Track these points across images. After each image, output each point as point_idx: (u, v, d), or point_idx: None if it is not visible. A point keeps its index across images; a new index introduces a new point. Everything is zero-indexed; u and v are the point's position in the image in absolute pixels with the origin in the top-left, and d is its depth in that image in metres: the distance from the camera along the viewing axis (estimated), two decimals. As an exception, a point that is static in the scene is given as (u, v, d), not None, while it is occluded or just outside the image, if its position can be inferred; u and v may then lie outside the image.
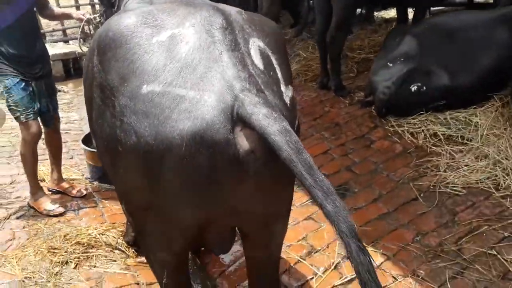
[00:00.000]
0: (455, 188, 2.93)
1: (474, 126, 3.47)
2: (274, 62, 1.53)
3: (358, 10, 6.72)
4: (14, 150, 4.35)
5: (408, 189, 3.05)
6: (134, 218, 1.73)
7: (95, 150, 3.69)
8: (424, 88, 3.71)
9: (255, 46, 1.48)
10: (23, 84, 3.06)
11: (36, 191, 3.30)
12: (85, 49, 3.29)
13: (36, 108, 3.17)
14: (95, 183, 3.76)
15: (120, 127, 1.39)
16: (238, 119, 1.26)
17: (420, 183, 3.07)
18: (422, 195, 2.96)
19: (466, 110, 3.68)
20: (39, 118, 3.26)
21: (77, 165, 4.10)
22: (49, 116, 3.36)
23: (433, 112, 3.76)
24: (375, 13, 7.31)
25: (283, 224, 1.70)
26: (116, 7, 2.52)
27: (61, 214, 3.22)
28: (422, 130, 3.63)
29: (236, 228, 1.70)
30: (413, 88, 3.73)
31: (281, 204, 1.59)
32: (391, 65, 3.92)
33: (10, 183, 3.69)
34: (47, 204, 3.25)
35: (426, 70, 3.73)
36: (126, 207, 1.73)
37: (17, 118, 3.12)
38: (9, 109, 3.14)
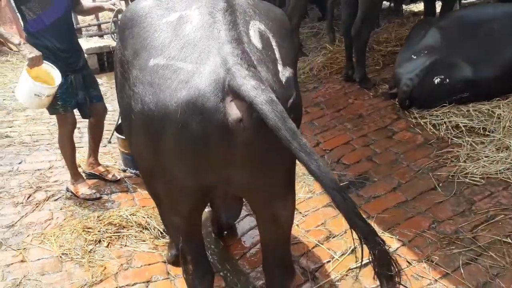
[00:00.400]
0: (474, 178, 2.96)
1: (497, 118, 3.47)
2: (274, 44, 1.66)
3: (387, 3, 6.71)
4: (52, 138, 4.62)
5: (427, 178, 3.10)
6: (148, 185, 1.94)
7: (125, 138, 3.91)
8: (447, 80, 3.73)
9: (255, 27, 1.62)
10: (64, 78, 3.21)
11: (75, 177, 3.51)
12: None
13: (73, 101, 3.35)
14: (127, 169, 3.97)
15: (133, 96, 1.58)
16: (229, 90, 1.39)
17: (439, 173, 3.11)
18: (440, 184, 3.00)
19: (489, 102, 3.68)
20: (76, 110, 3.45)
21: (110, 153, 4.32)
22: (86, 107, 3.53)
23: (456, 104, 3.77)
24: (403, 6, 7.26)
25: (283, 202, 1.75)
26: None
27: (97, 199, 3.43)
28: (444, 122, 3.65)
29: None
30: (436, 80, 3.75)
31: (274, 178, 1.64)
32: (415, 57, 3.95)
33: (49, 168, 3.94)
34: (84, 189, 3.46)
35: (449, 62, 3.74)
36: (140, 170, 1.94)
37: (55, 111, 3.29)
38: None
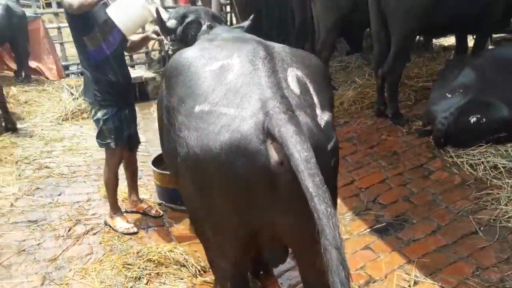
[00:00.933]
0: (517, 223, 2.91)
1: (537, 159, 3.43)
2: (311, 89, 1.72)
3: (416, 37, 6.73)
4: (89, 170, 4.76)
5: (467, 221, 3.06)
6: (196, 228, 1.99)
7: (163, 172, 3.99)
8: (484, 120, 3.71)
9: (293, 74, 1.70)
10: (119, 113, 3.35)
11: (114, 210, 3.59)
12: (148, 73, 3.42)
13: (125, 135, 3.45)
14: (162, 203, 4.03)
15: (178, 141, 1.66)
16: (267, 133, 1.46)
17: (480, 216, 3.06)
18: (482, 228, 2.96)
19: (529, 142, 3.64)
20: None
21: (145, 185, 4.40)
22: (136, 140, 3.66)
23: (493, 143, 3.74)
24: (433, 40, 7.29)
25: None
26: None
27: (134, 233, 3.49)
28: (482, 162, 3.61)
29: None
30: (472, 119, 3.73)
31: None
32: (450, 95, 3.95)
33: (87, 201, 4.04)
34: (122, 224, 3.54)
35: (485, 102, 3.73)
36: (189, 214, 2.02)
37: (106, 144, 3.40)
38: (99, 134, 3.39)
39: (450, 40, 7.28)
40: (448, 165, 3.76)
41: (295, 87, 1.64)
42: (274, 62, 1.65)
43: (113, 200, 3.59)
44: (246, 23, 2.87)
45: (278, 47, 1.81)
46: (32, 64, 8.33)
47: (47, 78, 8.36)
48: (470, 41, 5.66)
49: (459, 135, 3.85)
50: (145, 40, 3.71)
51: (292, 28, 6.90)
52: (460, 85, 3.94)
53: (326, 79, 1.96)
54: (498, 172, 3.47)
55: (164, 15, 2.85)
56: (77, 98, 7.16)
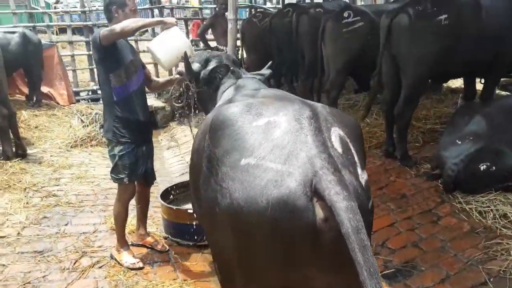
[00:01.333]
0: (527, 276, 2.88)
1: (547, 210, 3.42)
2: (352, 148, 1.76)
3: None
4: (96, 199, 4.77)
5: (477, 271, 3.03)
6: (224, 277, 1.97)
7: (171, 206, 4.00)
8: (494, 168, 3.73)
9: (336, 133, 1.73)
10: (136, 149, 3.38)
11: (121, 244, 3.58)
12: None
13: (139, 172, 3.47)
14: (168, 237, 4.01)
15: (220, 191, 1.68)
16: (314, 191, 1.49)
17: (490, 267, 3.04)
18: (491, 279, 2.93)
19: (539, 192, 3.64)
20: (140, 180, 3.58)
21: (152, 217, 4.38)
22: (152, 176, 3.69)
23: (503, 192, 3.74)
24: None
25: None
26: (212, 89, 2.85)
27: (140, 268, 3.47)
28: (491, 210, 3.60)
29: None
30: (482, 167, 3.75)
31: (355, 283, 1.60)
32: (460, 142, 3.98)
33: (93, 232, 4.04)
34: (129, 258, 3.51)
35: (495, 150, 3.76)
36: (218, 265, 1.99)
37: (119, 180, 3.41)
38: (113, 169, 3.41)
39: (458, 83, 7.36)
40: (457, 211, 3.75)
41: (338, 146, 1.68)
42: (319, 121, 1.70)
43: (121, 234, 3.59)
44: (267, 72, 2.96)
45: (320, 107, 1.87)
46: (44, 89, 8.46)
47: (57, 103, 8.47)
48: (478, 84, 5.74)
49: (468, 181, 3.86)
50: (170, 82, 3.79)
51: (302, 65, 7.01)
52: (470, 133, 3.97)
53: (362, 139, 1.99)
54: (508, 221, 3.46)
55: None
56: (87, 125, 7.24)
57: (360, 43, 5.58)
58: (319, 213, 1.49)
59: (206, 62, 2.88)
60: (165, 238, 4.01)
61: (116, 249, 3.59)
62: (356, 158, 1.73)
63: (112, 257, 3.58)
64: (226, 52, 3.09)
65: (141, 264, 3.51)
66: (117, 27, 3.05)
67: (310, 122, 1.67)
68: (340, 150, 1.67)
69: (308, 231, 1.50)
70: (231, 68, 2.78)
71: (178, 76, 3.38)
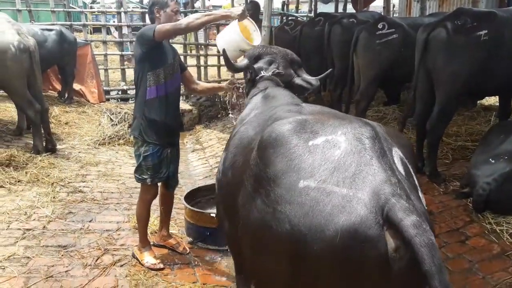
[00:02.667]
0: (560, 305, 2.76)
1: None
2: (411, 170, 1.66)
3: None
4: (121, 197, 4.82)
5: (506, 296, 2.92)
6: None
7: (196, 209, 3.99)
8: (528, 189, 3.60)
9: (397, 155, 1.63)
10: (161, 152, 3.38)
11: (143, 244, 3.59)
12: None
13: (163, 174, 3.47)
14: (189, 239, 4.01)
15: (273, 214, 1.55)
16: (387, 220, 1.37)
17: (520, 292, 2.92)
18: (521, 305, 2.82)
19: None
20: (162, 182, 3.58)
21: (174, 219, 4.40)
22: (174, 181, 3.69)
23: (536, 215, 3.61)
24: (475, 100, 7.18)
25: None
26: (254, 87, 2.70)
27: (160, 269, 3.47)
28: (524, 233, 3.48)
29: None
30: (516, 188, 3.63)
31: None
32: (493, 161, 3.86)
33: (117, 230, 4.07)
34: (150, 258, 3.52)
35: (531, 171, 3.63)
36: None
37: (142, 180, 3.44)
38: (137, 169, 3.43)
39: (491, 100, 7.18)
40: (486, 231, 3.62)
41: (401, 169, 1.58)
42: (381, 142, 1.59)
43: (143, 234, 3.61)
44: (316, 84, 2.78)
45: (377, 126, 1.74)
46: (76, 86, 8.66)
47: (88, 101, 8.66)
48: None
49: (500, 202, 3.73)
50: (216, 88, 3.86)
51: (332, 75, 6.95)
52: (505, 152, 3.85)
53: (414, 157, 1.89)
54: (540, 246, 3.32)
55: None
56: (116, 124, 7.36)
57: (393, 55, 5.52)
58: (390, 242, 1.38)
59: (256, 58, 2.72)
60: (191, 243, 3.98)
61: (138, 248, 3.61)
62: (416, 182, 1.63)
63: (134, 256, 3.60)
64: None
65: (161, 265, 3.52)
66: (183, 21, 3.07)
67: (373, 143, 1.55)
68: (403, 173, 1.56)
69: (379, 262, 1.39)
70: (277, 71, 2.63)
71: (228, 86, 3.34)
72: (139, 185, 4.85)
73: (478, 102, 7.11)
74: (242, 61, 2.80)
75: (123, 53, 9.49)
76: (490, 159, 3.90)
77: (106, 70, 9.40)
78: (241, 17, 3.09)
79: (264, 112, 2.25)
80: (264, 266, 1.69)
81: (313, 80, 2.80)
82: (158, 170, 3.42)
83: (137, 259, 3.56)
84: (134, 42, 3.39)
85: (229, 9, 3.20)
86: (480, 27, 4.13)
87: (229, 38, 3.11)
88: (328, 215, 1.42)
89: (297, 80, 2.75)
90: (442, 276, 1.29)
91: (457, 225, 3.80)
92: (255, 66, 2.72)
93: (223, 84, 3.54)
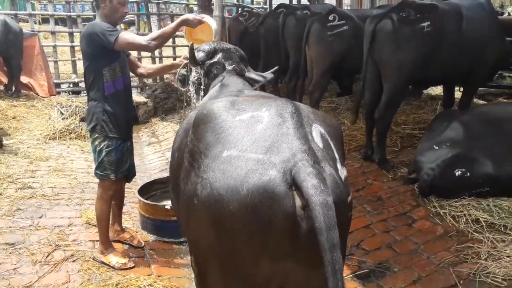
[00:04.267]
0: (495, 279, 2.94)
1: (518, 216, 3.51)
2: (332, 145, 1.79)
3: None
4: (73, 193, 4.70)
5: (447, 274, 3.09)
6: (200, 271, 1.96)
7: (150, 203, 3.97)
8: (468, 174, 3.82)
9: (317, 129, 1.77)
10: (122, 145, 3.33)
11: (107, 246, 3.46)
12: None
13: (125, 168, 3.42)
14: (144, 233, 3.99)
15: (200, 183, 1.69)
16: (293, 181, 1.51)
17: (460, 270, 3.10)
18: (461, 282, 2.99)
19: (510, 199, 3.74)
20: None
21: (128, 213, 4.35)
22: (133, 173, 3.64)
23: (476, 197, 3.83)
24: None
25: None
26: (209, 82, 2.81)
27: (131, 268, 3.39)
28: (464, 215, 3.68)
29: None
30: (457, 173, 3.84)
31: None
32: (437, 148, 4.06)
33: (68, 225, 3.96)
34: (118, 258, 3.41)
35: (471, 157, 3.85)
36: (194, 258, 1.97)
37: (105, 176, 3.33)
38: (99, 166, 3.32)
39: (437, 90, 7.50)
40: (431, 215, 3.82)
41: (319, 141, 1.70)
42: (301, 116, 1.73)
43: (105, 234, 3.47)
44: (269, 76, 2.91)
45: (303, 106, 1.89)
46: (24, 79, 8.32)
47: (37, 94, 8.34)
48: (457, 93, 5.86)
49: (443, 186, 3.94)
50: (167, 67, 3.74)
51: (286, 68, 7.04)
52: (447, 139, 4.06)
53: (342, 139, 2.03)
54: (480, 226, 3.53)
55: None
56: (67, 118, 7.14)
57: (344, 46, 5.66)
58: (298, 201, 1.51)
59: (213, 53, 2.81)
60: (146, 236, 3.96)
61: (100, 252, 3.46)
62: (336, 155, 1.75)
63: (96, 260, 3.43)
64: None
65: (132, 264, 3.42)
66: (152, 44, 3.04)
67: (292, 117, 1.70)
68: (320, 145, 1.69)
69: (288, 218, 1.51)
70: (233, 65, 2.75)
71: (181, 61, 3.30)
72: (91, 179, 4.74)
73: (425, 92, 7.42)
74: (198, 55, 2.85)
75: (73, 44, 9.18)
76: (434, 146, 4.10)
77: (56, 62, 9.07)
78: (197, 24, 3.19)
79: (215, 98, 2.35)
80: (195, 234, 1.84)
81: (266, 73, 2.96)
82: (121, 164, 3.37)
83: (103, 263, 3.41)
84: (82, 38, 3.22)
85: (184, 16, 3.23)
86: (423, 19, 4.31)
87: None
88: (243, 177, 1.56)
89: (250, 75, 2.88)
90: (330, 233, 1.41)
91: (405, 209, 3.99)
92: (213, 60, 2.83)
93: (176, 61, 3.47)
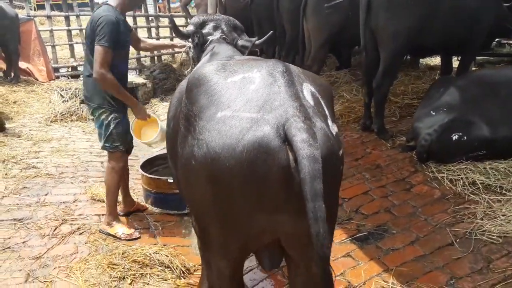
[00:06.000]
0: (491, 236, 3.02)
1: (514, 177, 3.57)
2: (323, 103, 1.85)
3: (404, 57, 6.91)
4: (77, 171, 4.78)
5: (444, 234, 3.17)
6: (201, 229, 2.05)
7: (151, 176, 4.05)
8: (465, 137, 3.86)
9: (308, 88, 1.83)
10: (124, 118, 3.48)
11: (113, 218, 3.58)
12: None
13: (130, 139, 3.57)
14: (149, 206, 4.07)
15: (197, 144, 1.75)
16: (285, 137, 1.57)
17: (457, 229, 3.18)
18: (458, 240, 3.07)
19: (506, 161, 3.79)
20: None
21: (132, 188, 4.42)
22: (132, 144, 3.73)
23: (473, 161, 3.88)
24: (420, 60, 7.49)
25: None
26: (203, 51, 2.87)
27: (136, 238, 3.50)
28: (461, 178, 3.74)
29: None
30: (454, 137, 3.88)
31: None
32: (434, 113, 4.10)
33: (74, 202, 4.06)
34: (124, 229, 3.53)
35: (467, 120, 3.89)
36: (195, 218, 2.06)
37: (115, 148, 3.46)
38: (108, 139, 3.44)
39: (436, 60, 7.50)
40: (429, 179, 3.89)
41: (309, 99, 1.77)
42: (292, 75, 1.78)
43: (114, 206, 3.60)
44: (253, 39, 2.95)
45: (293, 66, 1.94)
46: (22, 65, 8.34)
47: (36, 79, 8.37)
48: (455, 62, 5.87)
49: (441, 151, 3.99)
50: (167, 45, 4.10)
51: (283, 42, 7.04)
52: (444, 104, 4.09)
53: (332, 99, 2.08)
54: (476, 188, 3.60)
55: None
56: (67, 100, 7.19)
57: (341, 18, 5.63)
58: (290, 155, 1.57)
59: (201, 25, 2.86)
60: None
61: (106, 223, 3.58)
62: (326, 112, 1.81)
63: (103, 232, 3.55)
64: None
65: (137, 234, 3.54)
66: (101, 79, 3.20)
67: (283, 76, 1.75)
68: (311, 102, 1.75)
69: (282, 171, 1.57)
70: (222, 34, 2.80)
71: (181, 43, 3.45)
72: (94, 158, 4.88)
73: (424, 62, 7.41)
74: (188, 28, 2.93)
75: (70, 28, 9.16)
76: (431, 112, 4.14)
77: (53, 46, 9.07)
78: (142, 118, 3.59)
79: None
80: (194, 194, 1.89)
81: (254, 39, 2.99)
82: (126, 136, 3.53)
83: (109, 234, 3.52)
84: (91, 23, 3.29)
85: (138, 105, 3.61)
86: (417, -15, 4.30)
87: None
88: (238, 135, 1.62)
89: (240, 42, 2.93)
90: (314, 184, 1.47)
91: (403, 175, 4.05)
92: (203, 31, 2.88)
93: (175, 42, 3.68)
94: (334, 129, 1.79)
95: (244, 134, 1.61)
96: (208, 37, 2.85)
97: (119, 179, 3.58)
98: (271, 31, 3.26)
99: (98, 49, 3.17)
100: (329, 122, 1.78)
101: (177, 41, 3.60)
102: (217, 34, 2.85)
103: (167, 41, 4.02)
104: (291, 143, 1.54)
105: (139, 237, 3.53)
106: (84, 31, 9.03)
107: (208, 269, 2.09)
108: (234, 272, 1.94)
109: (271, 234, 1.77)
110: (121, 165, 3.56)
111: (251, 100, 1.69)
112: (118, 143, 3.46)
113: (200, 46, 2.86)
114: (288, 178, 1.58)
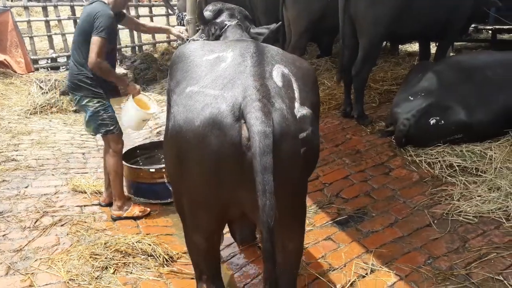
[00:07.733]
0: (467, 217, 3.11)
1: (489, 159, 3.65)
2: (295, 86, 1.91)
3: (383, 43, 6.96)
4: (58, 163, 4.74)
5: (422, 215, 3.24)
6: (176, 202, 2.13)
7: (133, 166, 4.04)
8: (442, 122, 3.93)
9: (279, 69, 1.90)
10: (109, 103, 3.65)
11: (125, 201, 3.74)
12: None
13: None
14: (132, 197, 4.07)
15: (170, 117, 1.88)
16: (241, 114, 1.66)
17: (434, 211, 3.26)
18: (435, 221, 3.14)
19: (482, 143, 3.88)
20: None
21: (114, 180, 4.41)
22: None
23: (450, 144, 3.97)
24: (399, 46, 7.56)
25: (290, 233, 1.93)
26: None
27: (148, 214, 3.76)
28: (439, 161, 3.82)
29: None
30: (432, 121, 3.96)
31: (279, 201, 1.61)
32: (412, 98, 4.16)
33: (55, 193, 4.03)
34: (137, 208, 3.75)
35: (444, 105, 3.96)
36: (173, 193, 2.16)
37: (110, 131, 3.61)
38: (101, 124, 3.58)
39: (414, 47, 7.57)
40: (407, 163, 3.96)
41: (278, 80, 1.83)
42: (262, 57, 1.86)
43: (121, 189, 3.74)
44: (272, 26, 2.98)
45: (272, 48, 2.01)
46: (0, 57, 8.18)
47: (14, 71, 8.22)
48: (433, 48, 5.94)
49: (419, 135, 4.06)
50: (163, 29, 4.44)
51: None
52: (422, 89, 4.16)
53: (315, 84, 2.13)
54: (453, 171, 3.68)
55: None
56: (47, 92, 7.08)
57: (321, 4, 5.64)
58: (244, 132, 1.65)
59: (218, 12, 2.96)
60: (128, 198, 4.04)
61: (118, 208, 3.69)
62: (296, 94, 1.86)
63: (117, 219, 3.67)
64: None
65: (148, 209, 3.80)
66: (96, 67, 3.37)
67: (252, 56, 1.84)
68: (279, 84, 1.81)
69: (234, 148, 1.66)
70: (237, 21, 2.88)
71: (179, 33, 3.85)
72: (76, 150, 4.89)
73: (403, 48, 7.49)
74: (206, 14, 3.00)
75: (48, 18, 8.99)
76: (409, 97, 4.20)
77: (31, 38, 8.90)
78: (136, 93, 3.76)
79: None
80: (169, 169, 2.03)
81: (272, 25, 3.06)
82: (115, 119, 3.66)
83: (126, 218, 3.68)
84: (87, 19, 3.41)
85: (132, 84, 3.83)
86: (396, -27, 4.33)
87: (131, 114, 3.73)
88: (199, 110, 1.73)
89: (253, 30, 3.00)
90: (263, 158, 1.55)
91: (382, 160, 4.12)
92: (219, 20, 2.97)
93: (173, 29, 3.98)
94: (300, 111, 1.83)
95: (204, 109, 1.71)
96: (226, 23, 2.94)
97: (121, 160, 3.74)
98: (280, 22, 3.40)
99: (96, 39, 3.33)
100: (296, 104, 1.83)
101: (175, 30, 3.93)
102: (233, 21, 2.94)
103: (163, 26, 4.43)
104: (245, 119, 1.62)
105: (150, 212, 3.76)
106: (62, 22, 9.09)
107: (187, 245, 2.18)
108: (209, 247, 2.04)
109: (235, 208, 1.87)
110: (120, 146, 3.70)
111: (218, 78, 1.79)
112: (112, 126, 3.60)
113: (216, 37, 2.93)
114: (241, 154, 1.66)
